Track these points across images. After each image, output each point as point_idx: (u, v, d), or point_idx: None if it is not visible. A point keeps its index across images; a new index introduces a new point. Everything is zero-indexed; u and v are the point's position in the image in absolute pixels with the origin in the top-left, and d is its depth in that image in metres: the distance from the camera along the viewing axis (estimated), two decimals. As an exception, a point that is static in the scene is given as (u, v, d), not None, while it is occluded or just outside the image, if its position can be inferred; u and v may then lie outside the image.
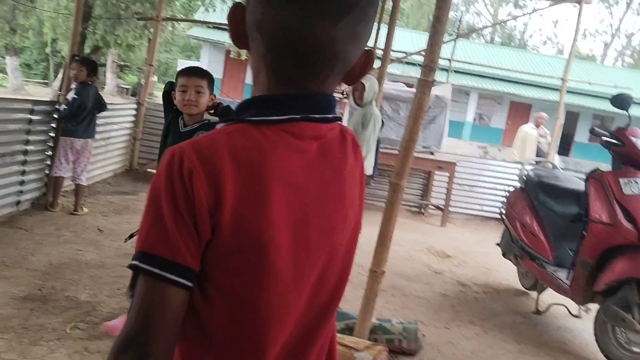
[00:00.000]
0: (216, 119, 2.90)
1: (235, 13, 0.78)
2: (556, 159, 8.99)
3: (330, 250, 0.81)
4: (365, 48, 0.80)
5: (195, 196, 0.69)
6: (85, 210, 5.24)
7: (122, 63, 23.91)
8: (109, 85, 20.50)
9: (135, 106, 7.54)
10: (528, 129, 9.52)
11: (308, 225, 0.76)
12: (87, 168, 5.35)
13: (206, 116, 2.87)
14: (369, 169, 5.54)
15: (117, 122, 6.91)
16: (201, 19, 15.52)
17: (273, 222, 0.72)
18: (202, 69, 2.84)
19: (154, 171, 7.58)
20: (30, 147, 4.88)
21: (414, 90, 8.82)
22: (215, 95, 2.78)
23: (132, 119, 7.42)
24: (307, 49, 0.73)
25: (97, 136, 6.30)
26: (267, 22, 0.73)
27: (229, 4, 14.93)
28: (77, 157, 5.15)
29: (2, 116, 4.45)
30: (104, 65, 19.37)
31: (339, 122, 0.84)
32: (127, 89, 22.19)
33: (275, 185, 0.72)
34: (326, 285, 0.82)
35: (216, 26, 18.77)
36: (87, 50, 13.54)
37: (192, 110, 2.71)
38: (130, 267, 0.72)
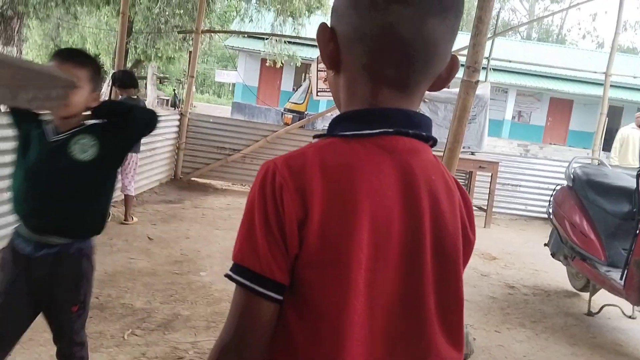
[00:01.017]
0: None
1: (324, 32, 0.78)
2: (602, 155, 8.74)
3: (417, 271, 0.77)
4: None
5: (285, 210, 0.71)
6: (135, 219, 5.40)
7: (161, 75, 24.47)
8: (150, 97, 21.00)
9: (178, 117, 7.72)
10: (629, 131, 8.48)
11: (390, 242, 0.74)
12: (134, 179, 5.51)
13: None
14: None
15: (161, 132, 7.09)
16: (237, 29, 15.76)
17: (357, 239, 0.71)
18: (83, 52, 2.02)
19: (198, 180, 7.77)
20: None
21: (451, 90, 8.76)
22: (99, 94, 1.98)
23: (176, 129, 7.61)
24: (417, 47, 0.73)
25: (143, 147, 6.51)
26: (371, 28, 0.73)
27: (263, 13, 15.12)
28: (123, 170, 5.30)
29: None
30: (145, 78, 19.85)
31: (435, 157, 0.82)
32: (167, 100, 22.68)
33: (362, 202, 0.72)
34: (415, 304, 0.78)
35: (251, 35, 19.04)
36: (129, 64, 13.92)
37: (61, 112, 1.84)
38: (227, 276, 0.75)
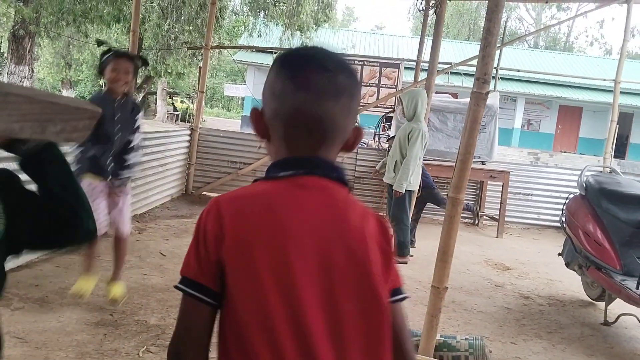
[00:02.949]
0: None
1: (255, 113, 1.01)
2: (613, 163, 8.68)
3: (324, 291, 0.89)
4: (356, 124, 1.02)
5: (209, 230, 0.90)
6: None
7: (171, 90, 24.68)
8: (160, 112, 21.18)
9: (189, 132, 7.78)
10: None
11: (288, 268, 0.88)
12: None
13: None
14: (415, 184, 5.51)
15: (172, 147, 7.14)
16: (245, 44, 15.89)
17: (260, 247, 0.88)
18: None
19: (209, 194, 7.79)
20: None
21: (460, 100, 8.75)
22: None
23: (187, 144, 7.66)
24: (317, 122, 0.94)
25: (154, 163, 6.56)
26: (284, 109, 0.96)
27: (271, 27, 15.25)
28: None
29: (66, 149, 4.68)
30: (155, 93, 20.03)
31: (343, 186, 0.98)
32: (177, 114, 22.85)
33: (264, 225, 0.89)
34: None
35: (260, 50, 19.19)
36: (139, 80, 14.07)
37: None
38: (175, 287, 0.93)
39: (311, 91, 0.94)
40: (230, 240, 0.88)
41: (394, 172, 5.48)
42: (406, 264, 5.44)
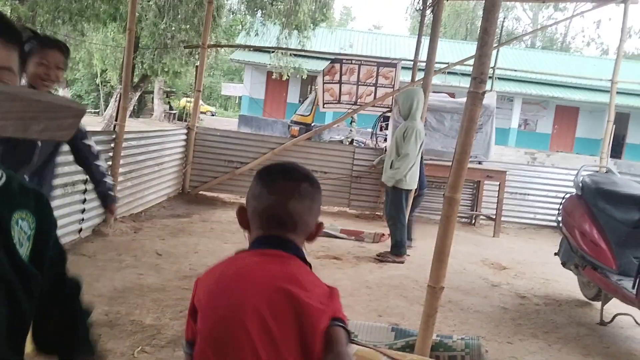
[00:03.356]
0: None
1: (240, 210, 1.33)
2: (609, 163, 8.69)
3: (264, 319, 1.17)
4: (319, 220, 1.33)
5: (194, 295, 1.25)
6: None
7: (167, 89, 24.64)
8: (157, 111, 21.16)
9: (185, 131, 7.76)
10: None
11: (237, 316, 1.16)
12: None
13: None
14: (412, 183, 5.50)
15: (169, 147, 7.12)
16: (243, 43, 15.85)
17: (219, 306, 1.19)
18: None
19: (206, 193, 7.78)
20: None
21: (457, 100, 8.74)
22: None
23: (183, 143, 7.64)
24: (286, 217, 1.26)
25: (150, 162, 6.54)
26: (260, 207, 1.28)
27: (269, 26, 15.22)
28: None
29: (64, 148, 4.65)
30: (152, 92, 19.99)
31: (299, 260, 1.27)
32: (174, 114, 22.81)
33: (227, 283, 1.21)
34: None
35: (257, 49, 19.15)
36: (136, 79, 14.03)
37: None
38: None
39: (279, 194, 1.27)
40: (204, 296, 1.23)
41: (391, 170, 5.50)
42: (403, 263, 5.44)
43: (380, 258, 5.47)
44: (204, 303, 1.19)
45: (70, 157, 4.78)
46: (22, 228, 0.95)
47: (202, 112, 24.81)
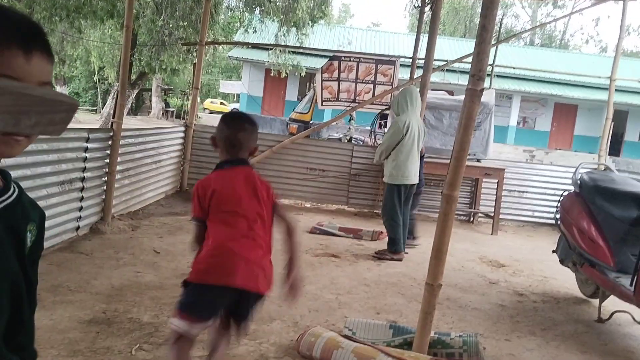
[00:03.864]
0: None
1: (213, 138, 2.42)
2: (607, 160, 8.70)
3: (250, 198, 2.35)
4: (256, 144, 2.44)
5: (205, 192, 2.32)
6: None
7: (165, 87, 24.59)
8: (155, 108, 21.12)
9: (183, 129, 7.74)
10: None
11: (235, 190, 2.32)
12: None
13: None
14: (404, 179, 5.46)
15: (166, 144, 7.10)
16: (241, 40, 15.80)
17: (230, 192, 2.33)
18: None
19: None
20: (87, 174, 5.07)
21: (456, 97, 8.74)
22: None
23: (181, 141, 7.63)
24: (238, 143, 2.37)
25: (148, 160, 6.52)
26: (223, 136, 2.38)
27: (267, 23, 15.19)
28: None
29: (60, 145, 4.64)
30: (150, 89, 19.94)
31: (249, 166, 2.42)
32: (172, 111, 22.77)
33: (225, 182, 2.33)
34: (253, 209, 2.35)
35: (255, 46, 19.10)
36: (133, 76, 13.99)
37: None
38: (191, 220, 2.42)
39: (233, 129, 2.37)
40: (217, 188, 2.30)
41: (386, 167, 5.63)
42: (401, 260, 5.43)
43: (378, 256, 5.47)
44: (219, 190, 2.27)
45: (68, 154, 4.80)
46: (29, 240, 1.02)
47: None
